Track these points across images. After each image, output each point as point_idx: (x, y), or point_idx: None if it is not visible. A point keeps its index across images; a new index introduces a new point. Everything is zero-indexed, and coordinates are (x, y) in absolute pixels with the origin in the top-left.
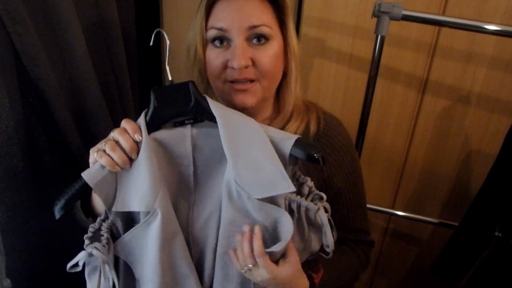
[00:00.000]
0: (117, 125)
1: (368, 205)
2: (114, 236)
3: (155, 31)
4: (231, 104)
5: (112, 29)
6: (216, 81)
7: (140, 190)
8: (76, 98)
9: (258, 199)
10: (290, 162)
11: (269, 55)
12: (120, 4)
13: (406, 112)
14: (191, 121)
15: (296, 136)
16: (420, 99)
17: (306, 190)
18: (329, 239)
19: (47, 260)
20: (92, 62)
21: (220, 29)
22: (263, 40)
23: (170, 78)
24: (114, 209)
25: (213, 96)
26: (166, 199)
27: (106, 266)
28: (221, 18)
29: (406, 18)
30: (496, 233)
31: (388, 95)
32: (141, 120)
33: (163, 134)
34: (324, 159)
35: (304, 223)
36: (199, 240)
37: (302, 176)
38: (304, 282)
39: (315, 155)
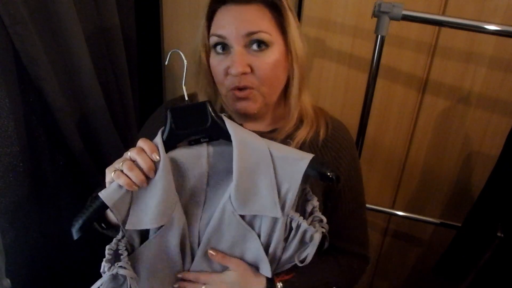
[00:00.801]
0: (117, 125)
1: (368, 205)
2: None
3: (170, 52)
4: (235, 110)
5: (112, 29)
6: (221, 87)
7: (156, 209)
8: (76, 98)
9: (240, 215)
10: (303, 181)
11: (268, 62)
12: (120, 4)
13: (406, 112)
14: (207, 139)
15: (310, 156)
16: (420, 99)
17: (309, 208)
18: (310, 256)
19: (47, 260)
20: (92, 62)
21: (220, 36)
22: (262, 47)
23: (186, 98)
24: (127, 227)
25: (221, 101)
26: (181, 212)
27: (134, 281)
28: (221, 25)
29: (406, 18)
30: (498, 234)
31: (388, 95)
32: (158, 139)
33: (179, 153)
34: (339, 178)
35: (297, 242)
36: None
37: (310, 193)
38: (259, 280)
39: (329, 174)
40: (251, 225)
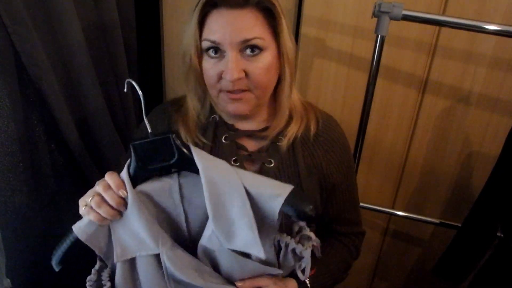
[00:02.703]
0: (117, 125)
1: (368, 205)
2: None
3: (126, 82)
4: (226, 111)
5: (112, 29)
6: (212, 90)
7: (139, 236)
8: (76, 98)
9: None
10: (279, 218)
11: (261, 66)
12: (120, 4)
13: (406, 112)
14: (177, 169)
15: (287, 192)
16: (420, 99)
17: (296, 228)
18: (306, 272)
19: (47, 260)
20: (92, 61)
21: (213, 42)
22: (256, 51)
23: (150, 131)
24: (115, 260)
25: (211, 100)
26: (168, 239)
27: None
28: (214, 30)
29: (406, 18)
30: (498, 234)
31: (388, 95)
32: (124, 174)
33: (149, 186)
34: (317, 214)
35: (290, 258)
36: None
37: None
38: (292, 284)
39: (307, 211)
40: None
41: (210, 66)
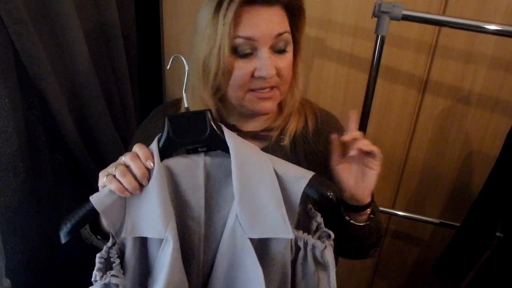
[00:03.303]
0: (117, 125)
1: None
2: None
3: (173, 57)
4: (252, 111)
5: (112, 29)
6: (238, 91)
7: (151, 217)
8: (76, 98)
9: (250, 239)
10: (301, 201)
11: (288, 62)
12: (120, 3)
13: (406, 112)
14: (205, 148)
15: (310, 175)
16: (420, 99)
17: (314, 225)
18: (332, 280)
19: (47, 260)
20: (92, 61)
21: (248, 38)
22: (284, 48)
23: (186, 105)
24: (123, 235)
25: (226, 103)
26: (175, 227)
27: None
28: (247, 27)
29: (406, 18)
30: (498, 234)
31: (388, 95)
32: (154, 146)
33: (175, 161)
34: (338, 199)
35: (310, 262)
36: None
37: (313, 211)
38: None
39: (329, 194)
40: (259, 247)
41: (242, 65)
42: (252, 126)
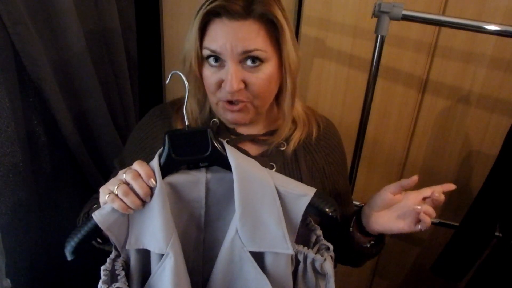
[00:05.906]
0: (117, 125)
1: None
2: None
3: (171, 74)
4: (225, 120)
5: (112, 29)
6: (212, 97)
7: (154, 232)
8: (76, 98)
9: (250, 252)
10: (303, 218)
11: (262, 77)
12: (120, 4)
13: (406, 112)
14: (206, 163)
15: (312, 193)
16: (420, 99)
17: (313, 238)
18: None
19: (47, 260)
20: (92, 62)
21: (213, 51)
22: (257, 62)
23: (187, 123)
24: (127, 247)
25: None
26: (178, 243)
27: None
28: (214, 40)
29: (406, 18)
30: (497, 233)
31: (388, 95)
32: (155, 163)
33: (177, 178)
34: (339, 217)
35: (310, 273)
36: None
37: (312, 223)
38: None
39: (330, 213)
40: (259, 259)
41: (210, 74)
42: (250, 130)
